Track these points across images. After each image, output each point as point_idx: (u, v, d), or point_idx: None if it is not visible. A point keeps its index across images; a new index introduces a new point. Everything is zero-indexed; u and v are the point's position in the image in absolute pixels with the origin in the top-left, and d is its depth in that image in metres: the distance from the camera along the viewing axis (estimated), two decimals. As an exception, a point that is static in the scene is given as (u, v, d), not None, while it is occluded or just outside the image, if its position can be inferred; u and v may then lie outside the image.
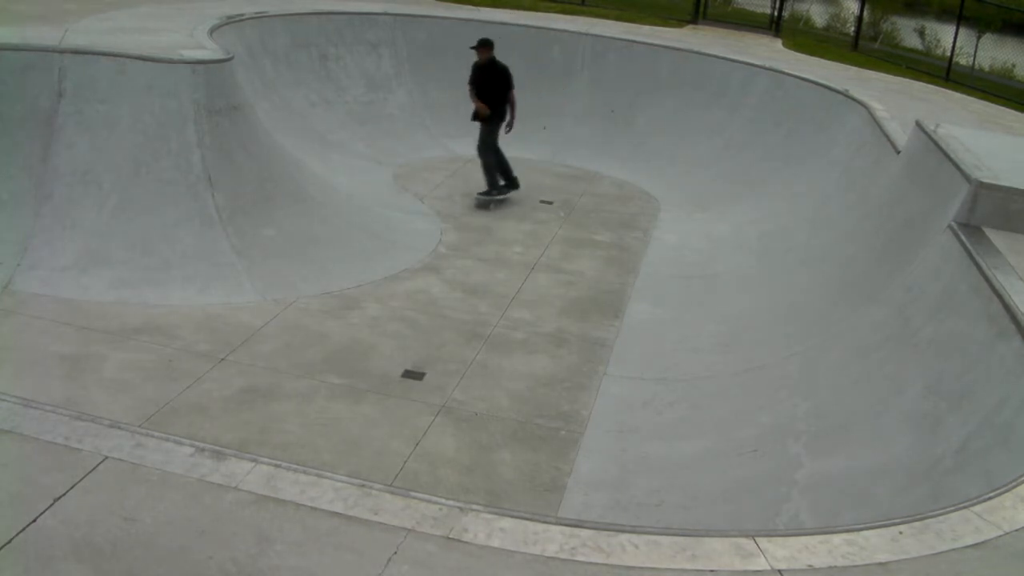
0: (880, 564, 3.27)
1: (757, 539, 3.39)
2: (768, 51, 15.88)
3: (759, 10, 22.36)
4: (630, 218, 11.64)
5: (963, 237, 6.21)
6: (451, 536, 3.29)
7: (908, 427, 5.25)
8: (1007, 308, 5.17)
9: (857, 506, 4.87)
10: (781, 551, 3.33)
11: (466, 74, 14.56)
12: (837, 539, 3.41)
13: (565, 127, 14.24)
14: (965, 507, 3.68)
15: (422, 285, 8.90)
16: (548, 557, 3.23)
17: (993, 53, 22.06)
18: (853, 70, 15.27)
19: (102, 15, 10.53)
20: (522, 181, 12.56)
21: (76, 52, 8.37)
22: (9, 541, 3.07)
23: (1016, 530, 3.53)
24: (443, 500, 3.54)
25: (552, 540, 3.32)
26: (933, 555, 3.35)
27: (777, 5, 20.14)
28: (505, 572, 3.16)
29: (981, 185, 6.53)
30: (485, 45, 11.35)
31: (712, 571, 3.21)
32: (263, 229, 8.72)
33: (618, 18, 17.49)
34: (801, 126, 12.18)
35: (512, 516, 3.51)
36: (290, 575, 3.05)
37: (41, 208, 7.96)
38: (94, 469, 3.46)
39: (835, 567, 3.24)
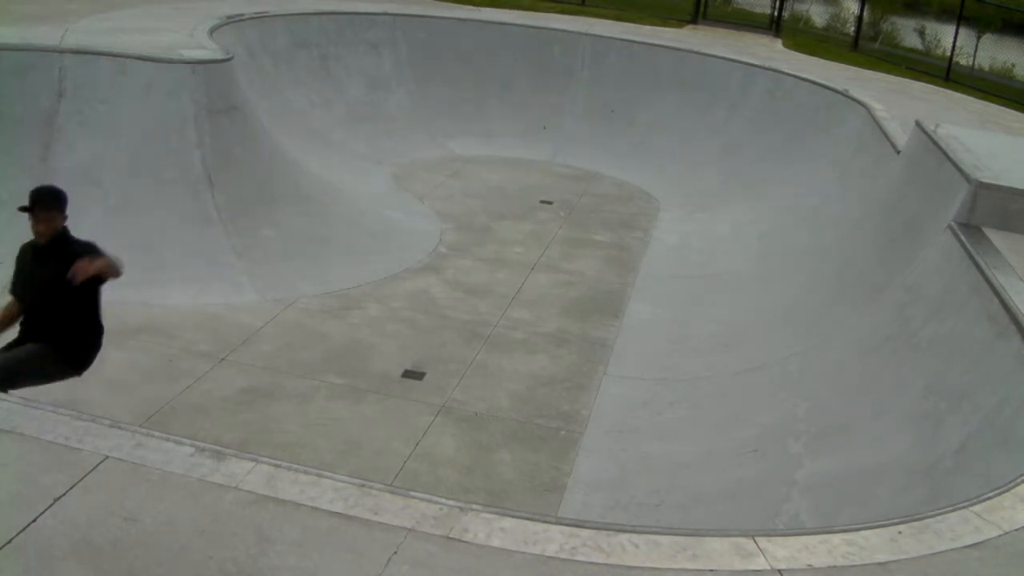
0: (879, 564, 3.27)
1: (757, 539, 3.39)
2: (768, 51, 15.88)
3: (759, 10, 22.36)
4: (630, 218, 11.63)
5: (963, 237, 6.20)
6: (451, 536, 3.29)
7: (908, 427, 5.25)
8: (1007, 308, 5.17)
9: (857, 506, 4.87)
10: (781, 551, 3.33)
11: (466, 74, 14.58)
12: (837, 539, 3.41)
13: (565, 127, 14.24)
14: (964, 507, 3.68)
15: (422, 285, 8.89)
16: (548, 557, 3.23)
17: (993, 53, 22.06)
18: (853, 70, 15.27)
19: (102, 15, 10.53)
20: (522, 181, 12.57)
21: (76, 52, 8.37)
22: (9, 541, 3.07)
23: (1015, 530, 3.53)
24: (443, 500, 3.54)
25: (552, 540, 3.32)
26: (932, 555, 3.35)
27: (777, 5, 20.14)
28: (505, 572, 3.15)
29: (981, 185, 6.53)
30: (43, 204, 5.42)
31: (712, 571, 3.21)
32: (263, 229, 8.72)
33: (618, 18, 17.48)
34: (801, 126, 12.18)
35: (512, 516, 3.51)
36: (290, 575, 3.05)
37: (41, 208, 7.95)
38: (94, 469, 3.46)
39: (835, 567, 3.24)
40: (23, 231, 7.88)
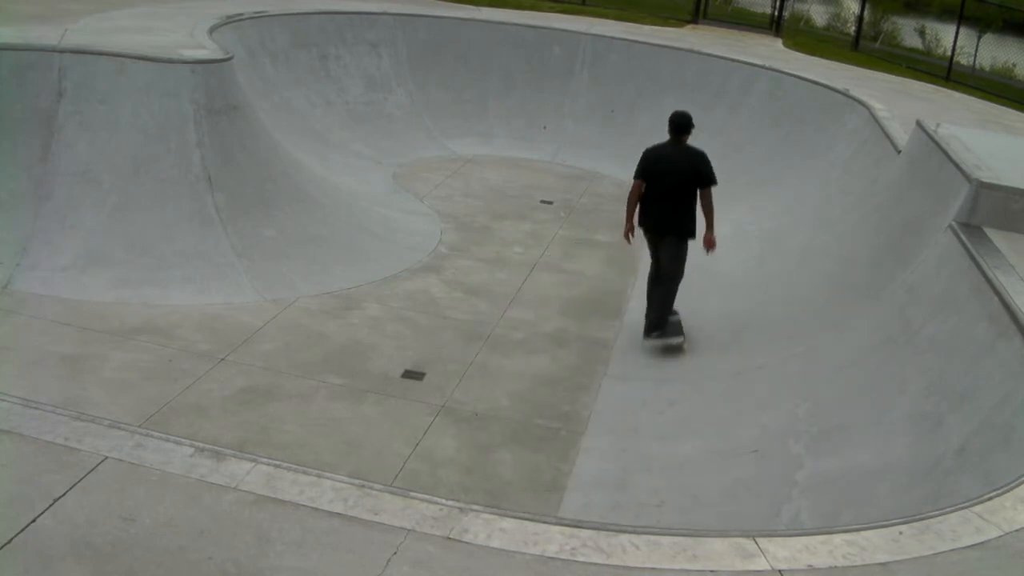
0: (880, 564, 3.26)
1: (758, 539, 3.38)
2: (768, 51, 15.88)
3: (759, 10, 22.39)
4: (630, 218, 11.62)
5: (964, 237, 6.20)
6: (451, 536, 3.28)
7: (908, 427, 5.25)
8: (1007, 308, 5.16)
9: (857, 506, 4.86)
10: (782, 551, 3.32)
11: (466, 74, 14.55)
12: (838, 539, 3.41)
13: (565, 127, 14.24)
14: (965, 507, 3.68)
15: (422, 285, 8.89)
16: (548, 557, 3.22)
17: (994, 53, 22.09)
18: (854, 70, 15.27)
19: (102, 15, 10.53)
20: (522, 181, 12.59)
21: (76, 52, 8.37)
22: (9, 541, 3.07)
23: (1016, 530, 3.53)
24: (443, 500, 3.54)
25: (552, 540, 3.32)
26: (933, 555, 3.35)
27: (777, 5, 20.13)
28: (505, 572, 3.15)
29: (982, 185, 6.53)
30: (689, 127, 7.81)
31: (712, 571, 3.20)
32: (263, 229, 8.72)
33: (619, 18, 17.48)
34: (801, 126, 12.18)
35: (512, 516, 3.50)
36: (290, 575, 3.05)
37: (41, 208, 7.96)
38: (94, 469, 3.45)
39: (835, 567, 3.24)
40: (23, 231, 7.91)
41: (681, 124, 7.79)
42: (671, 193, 7.71)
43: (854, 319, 6.92)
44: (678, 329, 7.92)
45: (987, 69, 21.12)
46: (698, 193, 7.67)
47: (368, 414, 6.59)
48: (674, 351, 7.82)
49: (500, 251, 10.02)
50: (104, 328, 7.20)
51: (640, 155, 7.93)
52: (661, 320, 7.91)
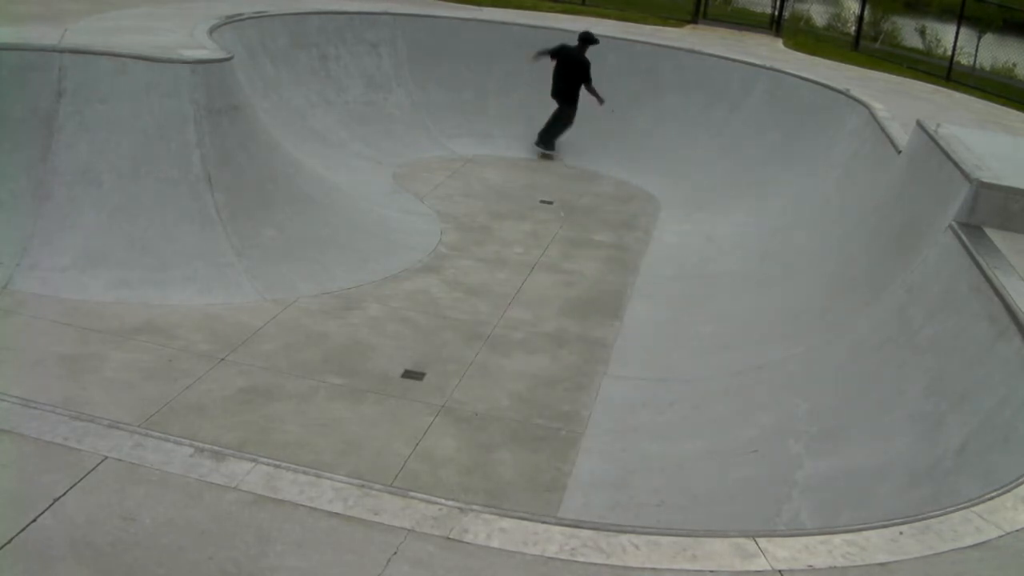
0: (880, 564, 3.26)
1: (757, 539, 3.38)
2: (768, 51, 15.88)
3: (759, 10, 22.42)
4: (630, 218, 11.63)
5: (964, 237, 6.20)
6: (451, 536, 3.29)
7: (908, 427, 5.25)
8: (1007, 308, 5.16)
9: (857, 506, 4.86)
10: (781, 551, 3.32)
11: (466, 74, 14.59)
12: (837, 539, 3.41)
13: (565, 127, 14.22)
14: (965, 507, 3.68)
15: (422, 285, 8.89)
16: (548, 557, 3.22)
17: (994, 53, 22.11)
18: (854, 70, 15.27)
19: (102, 15, 10.53)
20: (522, 181, 12.59)
21: (76, 52, 8.36)
22: (9, 541, 3.07)
23: (1016, 530, 3.53)
24: (443, 500, 3.54)
25: (552, 540, 3.32)
26: (933, 555, 3.35)
27: (778, 5, 20.14)
28: (505, 572, 3.15)
29: (982, 185, 6.52)
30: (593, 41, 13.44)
31: (712, 571, 3.20)
32: (263, 229, 8.72)
33: (619, 18, 17.49)
34: (801, 126, 12.18)
35: (512, 516, 3.50)
36: (290, 575, 3.05)
37: (41, 208, 7.96)
38: (94, 469, 3.46)
39: (835, 567, 3.24)
40: (23, 231, 7.91)
41: (585, 38, 13.26)
42: (565, 74, 13.23)
43: (854, 319, 6.92)
44: (553, 148, 13.72)
45: (987, 69, 21.13)
46: (583, 88, 13.21)
47: (368, 414, 6.59)
48: (549, 158, 13.57)
49: (500, 251, 10.03)
50: (104, 328, 7.20)
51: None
52: (550, 142, 13.70)
